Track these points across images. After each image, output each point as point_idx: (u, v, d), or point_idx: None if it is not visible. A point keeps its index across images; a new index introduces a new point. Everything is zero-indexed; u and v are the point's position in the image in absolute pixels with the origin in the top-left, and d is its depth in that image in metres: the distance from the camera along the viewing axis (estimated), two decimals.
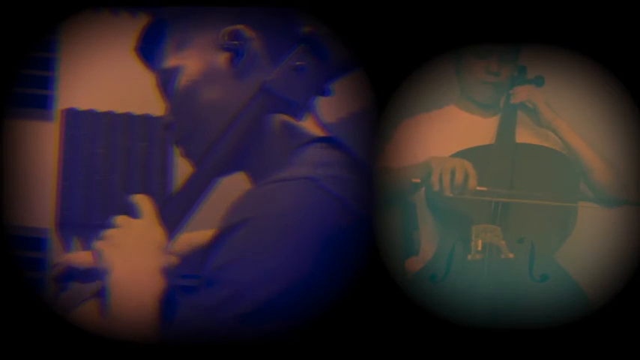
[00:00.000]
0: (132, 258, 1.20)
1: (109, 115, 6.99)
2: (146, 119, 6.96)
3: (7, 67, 5.38)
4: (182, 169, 7.14)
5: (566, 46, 2.58)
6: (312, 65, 1.25)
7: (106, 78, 6.93)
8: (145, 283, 1.18)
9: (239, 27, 1.28)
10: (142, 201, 1.26)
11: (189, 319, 1.11)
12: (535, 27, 2.52)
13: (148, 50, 1.36)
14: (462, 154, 2.57)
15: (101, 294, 1.23)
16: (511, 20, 2.52)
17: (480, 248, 2.42)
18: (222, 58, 1.29)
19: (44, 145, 6.85)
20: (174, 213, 1.26)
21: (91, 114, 6.96)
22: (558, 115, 2.65)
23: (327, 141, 1.27)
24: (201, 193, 1.27)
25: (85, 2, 6.04)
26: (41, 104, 6.93)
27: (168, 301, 1.18)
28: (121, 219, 1.25)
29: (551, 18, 2.52)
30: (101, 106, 6.98)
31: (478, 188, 2.42)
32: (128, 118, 7.00)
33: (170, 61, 1.32)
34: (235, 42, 1.27)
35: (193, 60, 1.30)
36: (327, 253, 1.12)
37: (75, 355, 1.20)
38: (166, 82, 1.33)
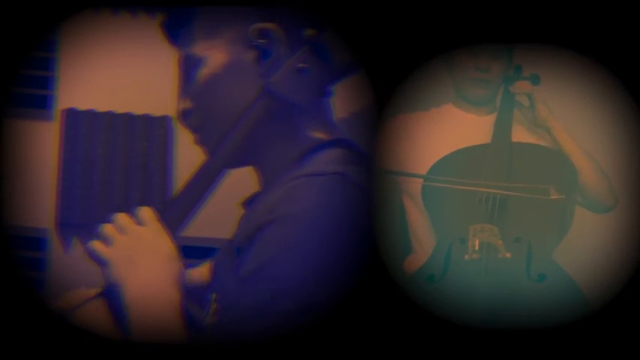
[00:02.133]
0: (145, 274, 1.21)
1: (109, 115, 7.00)
2: (146, 119, 6.97)
3: (7, 67, 5.38)
4: (182, 169, 7.15)
5: (562, 44, 2.58)
6: (315, 67, 1.26)
7: (106, 78, 6.94)
8: (162, 296, 1.19)
9: (269, 25, 1.29)
10: (145, 211, 1.27)
11: (232, 320, 1.11)
12: (532, 26, 2.53)
13: (174, 28, 1.36)
14: (458, 153, 2.58)
15: (106, 295, 1.24)
16: (508, 20, 2.53)
17: (477, 248, 2.42)
18: (249, 56, 1.30)
19: (44, 145, 6.86)
20: (187, 200, 1.28)
21: (91, 114, 6.96)
22: (554, 114, 2.66)
23: (342, 142, 1.29)
24: (212, 182, 1.29)
25: (85, 2, 6.05)
26: (41, 104, 6.94)
27: (189, 309, 1.19)
28: (125, 222, 1.26)
29: (548, 17, 2.52)
30: (101, 106, 6.99)
31: None
32: (128, 118, 7.00)
33: (197, 48, 1.33)
34: (263, 40, 1.28)
35: (220, 52, 1.31)
36: (353, 247, 1.13)
37: (75, 355, 1.20)
38: (190, 68, 1.34)
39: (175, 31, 1.37)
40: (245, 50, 1.30)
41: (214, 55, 1.31)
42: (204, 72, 1.32)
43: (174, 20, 1.37)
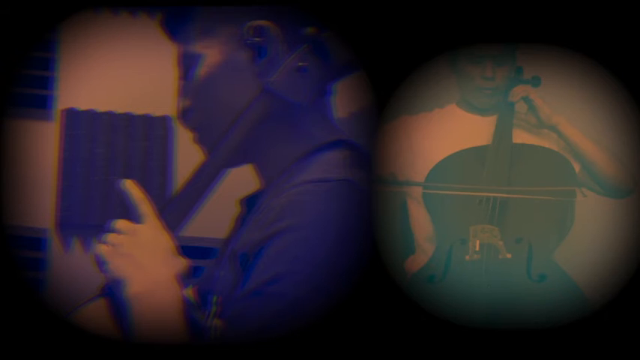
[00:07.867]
0: (146, 269, 1.20)
1: (109, 115, 6.99)
2: (146, 119, 6.96)
3: (7, 67, 5.38)
4: (182, 169, 7.16)
5: (563, 45, 2.58)
6: (315, 66, 1.26)
7: (106, 78, 6.93)
8: (164, 292, 1.18)
9: (264, 23, 1.28)
10: (142, 204, 1.26)
11: (234, 329, 1.11)
12: (532, 27, 2.52)
13: (173, 25, 1.36)
14: (459, 155, 2.58)
15: (108, 295, 1.23)
16: (509, 20, 2.53)
17: (477, 249, 2.42)
18: (244, 54, 1.29)
19: (44, 145, 6.85)
20: (185, 199, 1.27)
21: (91, 114, 6.96)
22: (555, 109, 2.65)
23: (345, 143, 1.28)
24: (211, 182, 1.28)
25: (85, 2, 6.04)
26: (41, 104, 6.93)
27: (190, 308, 1.18)
28: (122, 224, 1.25)
29: (549, 17, 2.52)
30: (101, 106, 6.98)
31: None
32: (128, 118, 7.00)
33: (194, 46, 1.32)
34: (258, 39, 1.28)
35: (216, 51, 1.31)
36: (356, 250, 1.13)
37: (75, 355, 1.20)
38: (188, 66, 1.34)
39: (175, 28, 1.36)
40: (241, 49, 1.29)
41: (212, 54, 1.31)
42: (202, 70, 1.31)
43: (174, 17, 1.36)
